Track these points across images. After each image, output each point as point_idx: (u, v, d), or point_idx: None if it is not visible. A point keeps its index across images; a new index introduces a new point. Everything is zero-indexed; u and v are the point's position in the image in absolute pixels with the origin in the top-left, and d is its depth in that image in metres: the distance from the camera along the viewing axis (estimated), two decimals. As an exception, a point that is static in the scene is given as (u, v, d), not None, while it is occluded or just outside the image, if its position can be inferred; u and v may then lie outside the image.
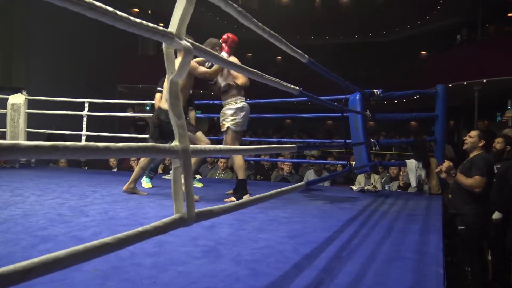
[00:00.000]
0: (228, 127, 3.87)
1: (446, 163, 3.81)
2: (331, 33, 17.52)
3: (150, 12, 15.96)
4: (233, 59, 3.72)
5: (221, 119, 3.97)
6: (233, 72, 3.83)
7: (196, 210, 1.11)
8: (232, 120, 3.87)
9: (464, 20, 14.68)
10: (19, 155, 0.67)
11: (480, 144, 3.73)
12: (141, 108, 14.29)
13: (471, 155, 3.78)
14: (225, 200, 3.74)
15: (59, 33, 9.74)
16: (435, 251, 2.13)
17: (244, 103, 3.93)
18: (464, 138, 3.94)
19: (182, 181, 1.06)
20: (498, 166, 4.35)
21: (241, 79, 3.88)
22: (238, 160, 3.86)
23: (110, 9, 0.84)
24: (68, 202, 3.25)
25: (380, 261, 1.95)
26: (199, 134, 4.02)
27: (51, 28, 9.66)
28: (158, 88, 4.41)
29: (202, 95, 14.95)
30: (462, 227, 3.62)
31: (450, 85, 11.44)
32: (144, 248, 1.96)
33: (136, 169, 3.96)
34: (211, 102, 6.28)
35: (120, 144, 0.83)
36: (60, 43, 10.26)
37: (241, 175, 3.84)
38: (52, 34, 9.95)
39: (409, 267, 1.86)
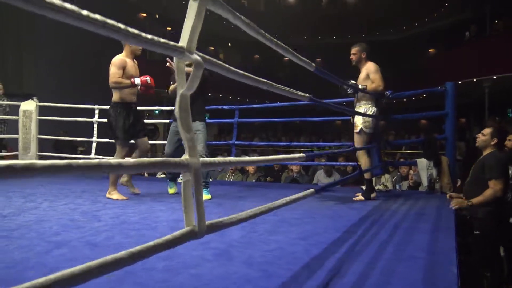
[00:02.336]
0: (360, 128, 4.12)
1: (455, 202, 3.54)
2: (338, 32, 17.48)
3: (157, 16, 16.07)
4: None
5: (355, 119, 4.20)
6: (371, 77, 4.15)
7: (207, 222, 1.13)
8: (364, 122, 4.11)
9: (472, 16, 14.56)
10: (35, 175, 0.70)
11: (493, 143, 3.66)
12: (150, 113, 14.38)
13: (484, 153, 3.72)
14: (354, 199, 4.08)
15: (68, 39, 9.84)
16: (447, 250, 2.13)
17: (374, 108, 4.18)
18: (477, 136, 3.89)
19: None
20: None
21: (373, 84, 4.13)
22: (364, 161, 4.10)
23: (122, 26, 0.86)
24: (80, 207, 3.29)
25: (389, 260, 1.95)
26: (145, 138, 4.18)
27: (60, 34, 9.76)
28: None
29: (210, 98, 15.00)
30: (477, 232, 3.52)
31: (460, 83, 11.35)
32: (156, 252, 1.97)
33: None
34: (219, 107, 6.29)
35: (132, 161, 0.86)
36: (69, 50, 10.37)
37: (367, 175, 4.10)
38: (61, 40, 10.06)
39: (420, 266, 1.85)
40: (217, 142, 9.53)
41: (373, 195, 4.11)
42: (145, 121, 9.62)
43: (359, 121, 4.12)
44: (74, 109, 6.41)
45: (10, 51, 10.14)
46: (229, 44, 18.44)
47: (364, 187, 5.00)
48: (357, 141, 4.14)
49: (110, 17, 0.85)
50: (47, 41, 10.14)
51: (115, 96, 3.94)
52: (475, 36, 13.02)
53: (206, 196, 4.20)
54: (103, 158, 5.31)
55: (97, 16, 0.78)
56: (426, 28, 17.19)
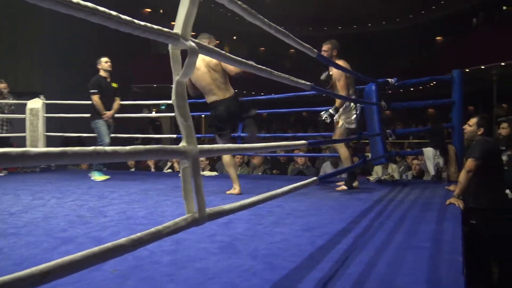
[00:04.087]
0: (342, 124, 4.19)
1: (448, 201, 3.31)
2: (345, 23, 17.35)
3: (161, 11, 16.05)
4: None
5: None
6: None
7: (208, 209, 1.13)
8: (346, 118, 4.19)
9: (480, 3, 14.36)
10: (30, 162, 0.70)
11: (479, 132, 3.57)
12: (156, 108, 14.41)
13: (473, 143, 3.66)
14: (336, 189, 4.14)
15: (72, 36, 9.88)
16: (452, 239, 2.12)
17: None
18: (464, 127, 3.82)
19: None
20: (509, 153, 4.21)
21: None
22: (343, 152, 4.17)
23: (114, 13, 0.85)
24: (87, 204, 3.32)
25: (395, 250, 1.95)
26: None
27: (65, 31, 9.80)
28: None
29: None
30: (473, 222, 3.43)
31: (468, 70, 11.24)
32: (162, 246, 1.99)
33: (230, 171, 3.91)
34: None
35: (128, 148, 0.85)
36: (76, 47, 10.40)
37: (347, 163, 4.14)
38: (67, 38, 10.09)
39: (426, 256, 1.85)
40: (208, 135, 9.52)
41: (355, 184, 4.13)
42: (151, 115, 9.68)
43: (339, 117, 4.17)
44: (82, 106, 6.44)
45: (17, 50, 10.20)
46: (234, 38, 18.40)
47: (371, 178, 5.00)
48: (337, 133, 4.23)
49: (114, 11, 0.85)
50: (53, 39, 10.18)
51: (229, 92, 3.82)
52: (483, 23, 12.86)
53: (100, 177, 4.87)
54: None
55: (88, 4, 0.78)
56: (434, 16, 17.00)
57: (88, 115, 5.38)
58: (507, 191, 3.98)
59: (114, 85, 5.47)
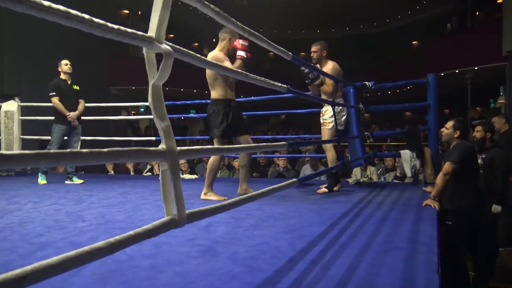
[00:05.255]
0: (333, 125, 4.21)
1: (424, 202, 3.33)
2: (323, 26, 17.54)
3: (140, 13, 15.91)
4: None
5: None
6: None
7: (187, 211, 1.13)
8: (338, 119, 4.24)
9: (453, 8, 14.74)
10: (4, 165, 0.69)
11: (456, 135, 3.66)
12: (135, 110, 14.27)
13: (451, 146, 3.75)
14: (317, 191, 4.11)
15: (49, 37, 9.69)
16: (428, 240, 2.16)
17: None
18: (441, 130, 3.91)
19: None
20: (484, 156, 4.32)
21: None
22: (331, 155, 4.20)
23: (87, 16, 0.85)
24: (64, 208, 3.26)
25: (373, 252, 1.98)
26: (247, 136, 3.99)
27: (41, 32, 9.61)
28: None
29: (195, 94, 14.93)
30: (449, 223, 3.53)
31: (443, 74, 11.49)
32: (141, 250, 1.97)
33: (207, 172, 3.85)
34: (204, 101, 6.28)
35: (106, 150, 0.85)
36: (51, 47, 10.21)
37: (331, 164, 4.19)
38: (42, 38, 9.89)
39: (402, 257, 1.88)
40: (202, 137, 9.52)
41: (335, 188, 4.15)
42: (129, 117, 9.57)
43: (330, 118, 4.20)
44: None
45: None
46: (214, 40, 18.32)
47: (350, 180, 5.06)
48: (326, 134, 4.26)
49: (91, 14, 0.84)
50: (28, 41, 9.97)
51: (215, 93, 3.78)
52: (457, 28, 13.17)
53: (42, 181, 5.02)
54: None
55: (60, 7, 0.77)
56: (409, 21, 17.36)
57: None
58: (494, 205, 4.08)
59: (76, 87, 5.43)
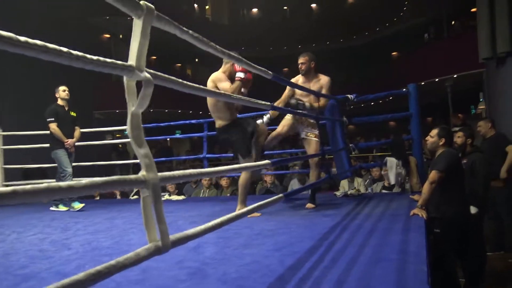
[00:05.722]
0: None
1: (412, 211, 3.32)
2: (303, 42, 17.76)
3: (121, 36, 15.94)
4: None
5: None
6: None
7: (171, 236, 1.12)
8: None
9: (430, 19, 15.09)
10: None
11: (441, 143, 3.70)
12: (120, 133, 14.17)
13: (436, 154, 3.79)
14: (306, 207, 4.04)
15: (30, 62, 9.65)
16: (417, 249, 2.16)
17: None
18: (426, 139, 3.95)
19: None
20: (465, 161, 4.37)
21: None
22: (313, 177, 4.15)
23: (65, 49, 0.85)
24: (50, 237, 3.20)
25: (363, 264, 1.97)
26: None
27: (22, 57, 9.55)
28: None
29: (180, 114, 14.92)
30: (437, 230, 3.54)
31: (423, 83, 11.69)
32: (129, 276, 1.93)
33: (239, 190, 3.81)
34: (188, 122, 6.29)
35: (84, 182, 0.84)
36: (33, 73, 10.13)
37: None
38: (23, 64, 9.82)
39: (393, 268, 1.88)
40: (187, 157, 9.48)
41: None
42: (114, 141, 9.46)
43: (316, 131, 4.17)
44: (41, 136, 6.26)
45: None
46: (196, 60, 18.45)
47: (337, 193, 5.07)
48: (314, 149, 4.16)
49: (73, 39, 0.84)
50: (9, 67, 9.88)
51: (226, 117, 3.72)
52: (434, 37, 13.46)
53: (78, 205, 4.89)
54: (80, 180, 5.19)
55: (37, 42, 0.77)
56: (388, 32, 17.71)
57: (47, 145, 5.24)
58: (471, 207, 4.10)
59: (73, 113, 5.36)
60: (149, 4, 1.07)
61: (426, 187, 3.48)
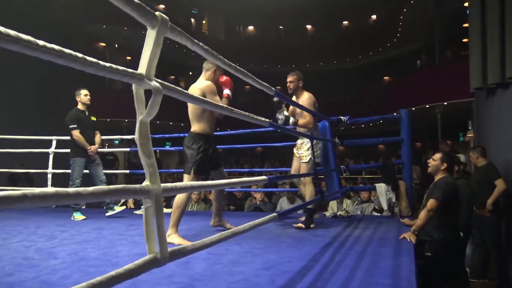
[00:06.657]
0: (310, 158, 4.16)
1: (402, 235, 3.36)
2: (297, 61, 17.95)
3: (116, 46, 15.98)
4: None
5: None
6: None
7: (169, 249, 1.11)
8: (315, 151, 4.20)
9: (422, 46, 15.39)
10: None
11: (443, 168, 3.78)
12: (109, 142, 14.07)
13: (436, 178, 3.84)
14: (294, 226, 4.01)
15: (23, 69, 9.59)
16: (407, 274, 2.17)
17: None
18: (428, 161, 4.01)
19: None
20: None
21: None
22: (310, 191, 4.15)
23: (80, 55, 0.86)
24: (35, 245, 3.14)
25: (355, 288, 1.97)
26: (222, 169, 3.91)
27: (13, 64, 9.51)
28: None
29: (172, 126, 14.88)
30: (428, 254, 3.58)
31: (414, 109, 11.84)
32: (117, 289, 1.90)
33: (173, 210, 3.45)
34: (181, 135, 6.27)
35: (90, 189, 0.83)
36: (25, 80, 10.08)
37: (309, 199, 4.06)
38: (14, 70, 9.77)
39: (384, 293, 1.88)
40: (177, 170, 9.43)
41: (312, 225, 4.03)
42: (104, 150, 9.37)
43: (306, 151, 4.17)
44: (30, 141, 6.20)
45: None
46: (190, 73, 18.53)
47: (327, 213, 5.07)
48: (304, 169, 4.16)
49: (68, 45, 0.85)
50: (2, 72, 9.83)
51: (198, 127, 3.55)
52: (426, 64, 13.69)
53: (79, 216, 4.81)
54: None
55: (54, 46, 0.78)
56: (381, 57, 18.03)
57: (68, 150, 5.14)
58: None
59: (94, 118, 5.25)
60: (164, 15, 1.09)
61: (423, 214, 3.52)
